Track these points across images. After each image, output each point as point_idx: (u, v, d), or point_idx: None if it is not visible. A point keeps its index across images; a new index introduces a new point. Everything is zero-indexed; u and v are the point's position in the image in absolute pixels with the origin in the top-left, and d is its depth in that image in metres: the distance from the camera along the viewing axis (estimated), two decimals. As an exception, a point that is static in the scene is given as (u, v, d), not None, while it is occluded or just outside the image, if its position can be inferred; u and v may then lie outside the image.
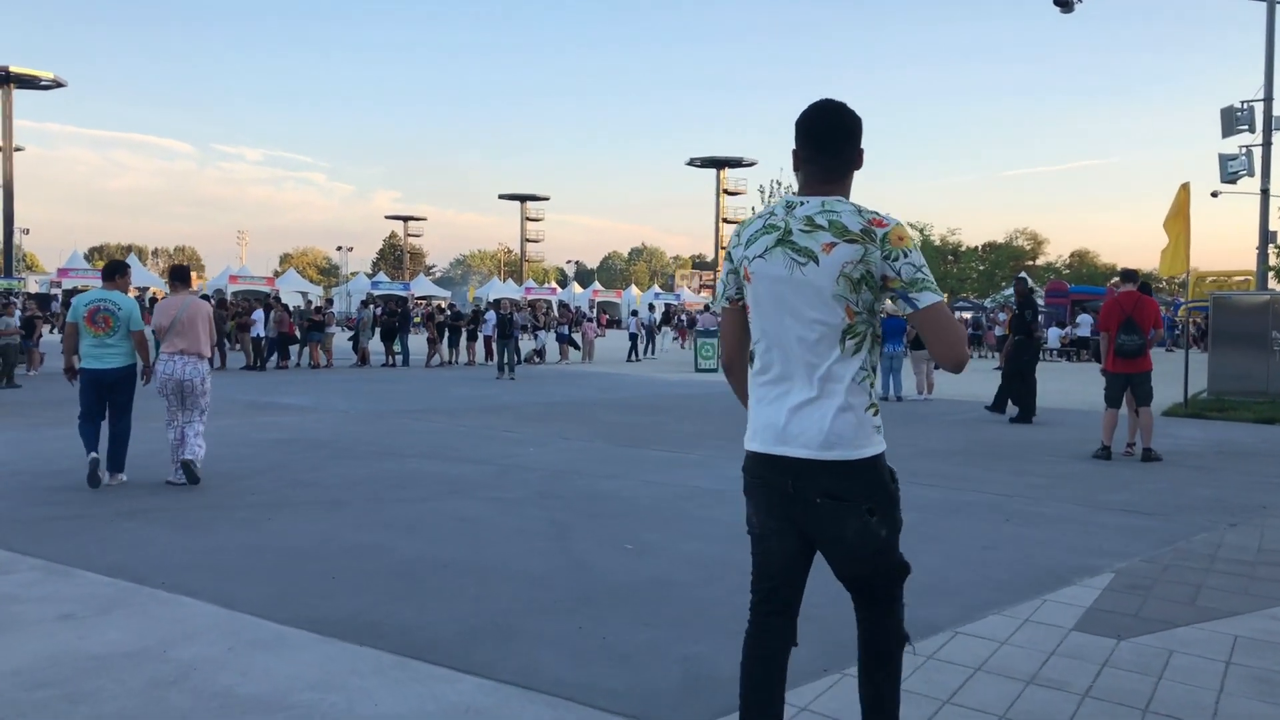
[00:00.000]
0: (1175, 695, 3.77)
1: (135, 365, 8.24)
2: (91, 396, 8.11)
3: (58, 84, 57.50)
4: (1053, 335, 34.33)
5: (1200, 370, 17.07)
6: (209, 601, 4.80)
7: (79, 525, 6.45)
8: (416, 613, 4.69)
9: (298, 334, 23.49)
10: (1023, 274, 22.26)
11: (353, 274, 76.57)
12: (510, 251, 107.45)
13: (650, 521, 6.82)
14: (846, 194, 2.72)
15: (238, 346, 23.73)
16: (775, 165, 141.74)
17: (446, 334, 25.81)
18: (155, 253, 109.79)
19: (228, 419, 12.02)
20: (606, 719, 3.55)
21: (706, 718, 3.61)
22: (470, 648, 4.22)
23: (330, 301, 27.97)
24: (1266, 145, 22.25)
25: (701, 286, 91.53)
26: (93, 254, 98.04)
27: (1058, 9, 20.29)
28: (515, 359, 21.85)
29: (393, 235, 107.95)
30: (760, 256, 2.69)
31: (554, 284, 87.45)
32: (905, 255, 2.56)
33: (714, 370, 23.77)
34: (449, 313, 28.09)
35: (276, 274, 64.44)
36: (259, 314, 22.69)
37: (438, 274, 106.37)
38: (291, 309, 25.47)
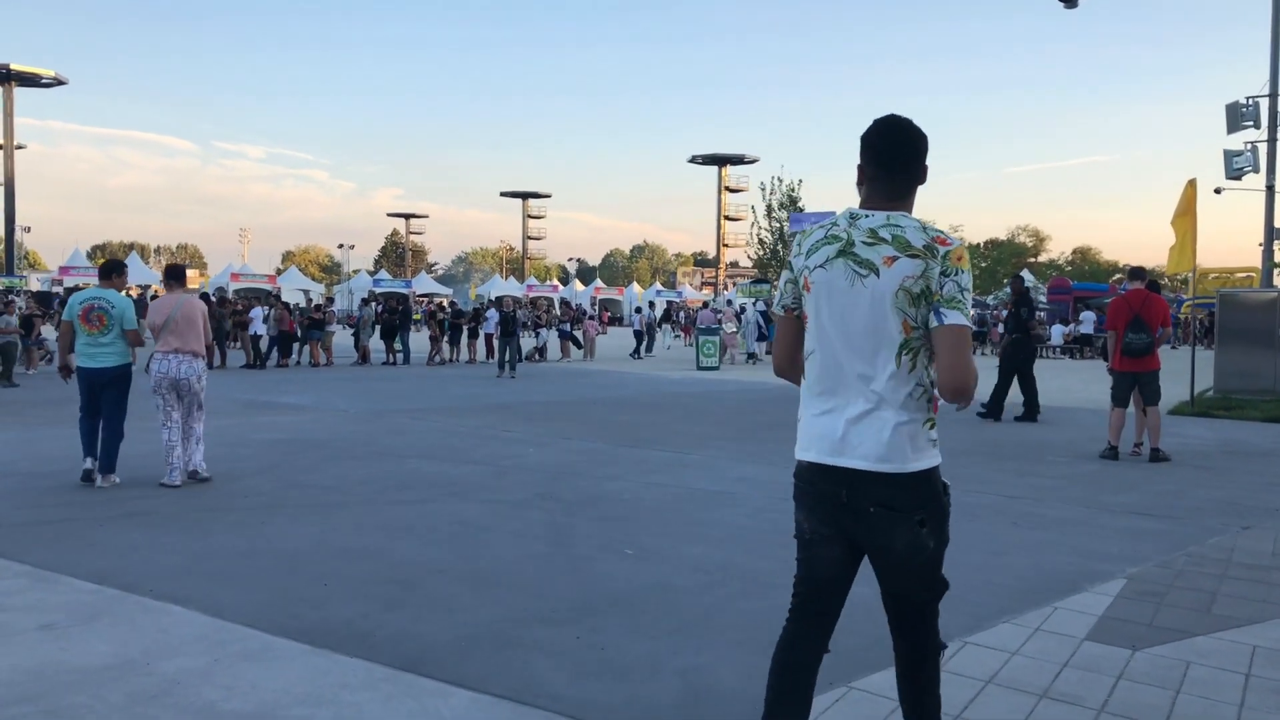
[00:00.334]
0: (1195, 711, 3.64)
1: (130, 365, 8.16)
2: (87, 395, 8.10)
3: (58, 81, 57.33)
4: (1056, 332, 34.19)
5: (1205, 368, 16.91)
6: (196, 610, 4.68)
7: (68, 529, 6.33)
8: (410, 621, 4.56)
9: (298, 332, 23.36)
10: (1019, 273, 22.04)
11: (354, 271, 76.46)
12: (512, 249, 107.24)
13: (651, 524, 6.69)
14: (910, 210, 2.75)
15: (237, 345, 23.62)
16: (776, 162, 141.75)
17: (447, 332, 25.68)
18: (158, 250, 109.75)
19: (226, 418, 11.90)
20: (604, 736, 3.42)
21: (708, 735, 3.47)
22: (464, 659, 4.09)
23: (330, 299, 27.80)
24: (1272, 141, 22.08)
25: (703, 284, 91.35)
26: (95, 252, 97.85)
27: (1061, 4, 20.11)
28: (517, 357, 21.72)
29: (395, 233, 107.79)
30: (821, 267, 2.71)
31: (556, 281, 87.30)
32: (957, 274, 2.60)
33: (715, 368, 23.64)
34: (449, 310, 27.96)
35: (279, 271, 64.31)
36: (257, 311, 22.55)
37: (440, 271, 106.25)
38: (292, 306, 25.30)
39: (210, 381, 8.40)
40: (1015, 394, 13.62)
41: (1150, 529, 6.73)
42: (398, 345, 24.56)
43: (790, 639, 2.85)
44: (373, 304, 26.84)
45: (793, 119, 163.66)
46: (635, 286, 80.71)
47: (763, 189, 53.10)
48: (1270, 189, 22.03)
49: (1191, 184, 14.09)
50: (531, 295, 61.60)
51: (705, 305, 35.76)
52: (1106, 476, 8.94)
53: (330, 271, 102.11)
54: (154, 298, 10.25)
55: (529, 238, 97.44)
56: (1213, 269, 47.23)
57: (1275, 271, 21.92)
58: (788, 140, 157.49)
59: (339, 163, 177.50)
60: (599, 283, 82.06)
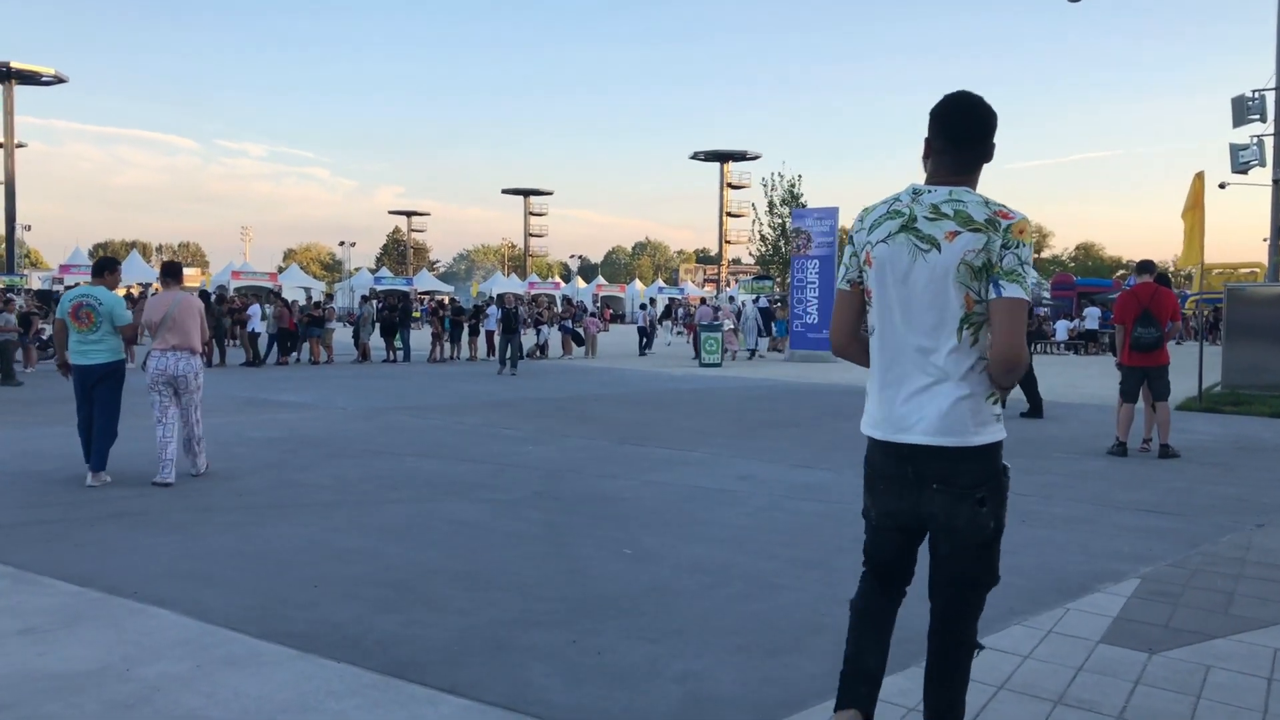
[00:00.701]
0: (1216, 718, 3.48)
1: (122, 361, 8.08)
2: (80, 392, 8.07)
3: (59, 80, 57.20)
4: (1060, 328, 34.01)
5: (1212, 363, 16.74)
6: (182, 613, 4.53)
7: (55, 530, 6.19)
8: (402, 625, 4.42)
9: (298, 329, 23.22)
10: None
11: (356, 269, 76.29)
12: (514, 246, 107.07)
13: (651, 524, 6.55)
14: (974, 186, 2.75)
15: (236, 343, 23.49)
16: (779, 159, 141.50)
17: (448, 329, 25.53)
18: (159, 249, 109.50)
19: (223, 416, 11.77)
20: (600, 746, 3.27)
21: (708, 744, 3.32)
22: (457, 664, 3.95)
23: (330, 297, 27.67)
24: (1279, 135, 21.87)
25: (705, 281, 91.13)
26: (97, 251, 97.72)
27: (1066, -2, 19.93)
28: (518, 354, 21.58)
29: (396, 230, 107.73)
30: (883, 241, 2.74)
31: (558, 279, 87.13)
32: (1018, 247, 2.60)
33: (718, 365, 23.48)
34: (449, 308, 27.81)
35: (280, 269, 64.17)
36: (255, 309, 22.42)
37: (441, 269, 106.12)
38: (292, 304, 25.15)
39: (209, 379, 8.32)
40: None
41: (1162, 527, 6.58)
42: (398, 343, 24.43)
43: (865, 591, 2.99)
44: (373, 302, 26.70)
45: (795, 115, 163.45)
46: (637, 284, 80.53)
47: (764, 184, 52.99)
48: (1277, 182, 21.83)
49: (1199, 177, 13.93)
50: (533, 292, 61.41)
51: (703, 301, 35.60)
52: (1115, 473, 8.78)
53: (332, 269, 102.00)
54: (155, 295, 10.17)
55: (531, 235, 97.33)
56: (1216, 264, 47.00)
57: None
58: (790, 136, 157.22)
59: (341, 161, 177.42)
60: (601, 280, 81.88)
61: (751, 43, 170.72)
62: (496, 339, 22.53)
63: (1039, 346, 32.14)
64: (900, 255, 2.69)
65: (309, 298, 44.78)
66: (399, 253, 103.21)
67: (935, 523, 2.74)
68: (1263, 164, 23.58)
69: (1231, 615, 4.64)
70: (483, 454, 9.49)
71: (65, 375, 8.16)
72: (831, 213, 27.15)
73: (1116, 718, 3.48)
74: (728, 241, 79.68)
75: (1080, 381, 19.22)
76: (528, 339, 27.15)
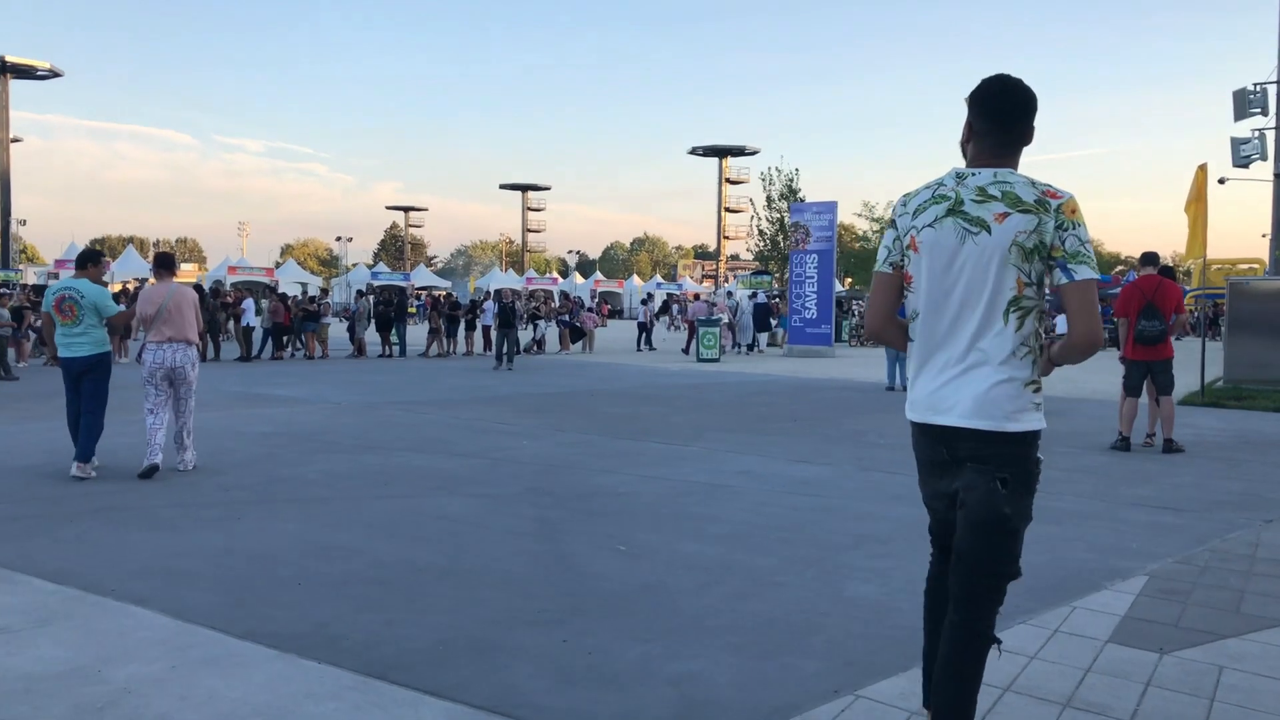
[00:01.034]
0: (1232, 721, 3.34)
1: (106, 354, 7.98)
2: (68, 384, 8.02)
3: (54, 74, 56.98)
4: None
5: (1214, 357, 16.60)
6: (159, 611, 4.39)
7: (36, 525, 6.04)
8: (386, 624, 4.27)
9: (293, 324, 23.05)
10: None
11: (353, 265, 76.07)
12: (512, 242, 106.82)
13: (646, 520, 6.40)
14: (1015, 167, 2.75)
15: (228, 337, 23.33)
16: (777, 153, 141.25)
17: (444, 324, 25.36)
18: (156, 244, 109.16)
19: (215, 411, 11.62)
20: (589, 752, 3.13)
21: (702, 750, 3.18)
22: (441, 665, 3.80)
23: (325, 291, 27.53)
24: (1280, 128, 21.73)
25: (704, 276, 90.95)
26: (95, 245, 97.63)
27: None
28: (514, 349, 21.42)
29: (394, 226, 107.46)
30: (930, 226, 2.72)
31: (555, 274, 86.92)
32: (1074, 227, 2.61)
33: (716, 360, 23.33)
34: (444, 303, 27.64)
35: (277, 265, 63.97)
36: (249, 303, 22.25)
37: (439, 265, 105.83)
38: (289, 299, 24.96)
39: (203, 374, 8.22)
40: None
41: (1169, 523, 6.43)
42: (394, 338, 24.28)
43: (935, 575, 3.00)
44: (368, 297, 26.53)
45: (794, 110, 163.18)
46: (635, 279, 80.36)
47: (763, 179, 52.79)
48: (1278, 176, 21.70)
49: (1202, 169, 13.78)
50: (531, 288, 61.20)
51: (697, 297, 35.45)
52: (1119, 468, 8.64)
53: (329, 265, 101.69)
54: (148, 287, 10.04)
55: (529, 231, 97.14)
56: (1215, 260, 46.90)
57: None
58: (789, 131, 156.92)
59: (339, 156, 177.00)
60: (599, 275, 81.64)
61: (752, 35, 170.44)
62: (493, 334, 22.36)
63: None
64: (948, 238, 2.68)
65: (304, 293, 44.65)
66: (397, 248, 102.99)
67: (961, 496, 2.74)
68: (1264, 158, 23.43)
69: (1243, 614, 4.50)
70: (476, 449, 9.34)
71: (58, 366, 8.15)
72: (830, 207, 26.99)
73: (1128, 721, 3.33)
74: (726, 237, 79.50)
75: (1081, 376, 19.06)
76: (524, 334, 26.99)
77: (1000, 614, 2.82)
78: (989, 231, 2.62)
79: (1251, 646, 4.06)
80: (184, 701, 3.41)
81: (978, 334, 2.66)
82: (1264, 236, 23.20)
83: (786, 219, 46.05)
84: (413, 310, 36.17)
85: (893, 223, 2.88)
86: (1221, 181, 25.14)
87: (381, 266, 74.55)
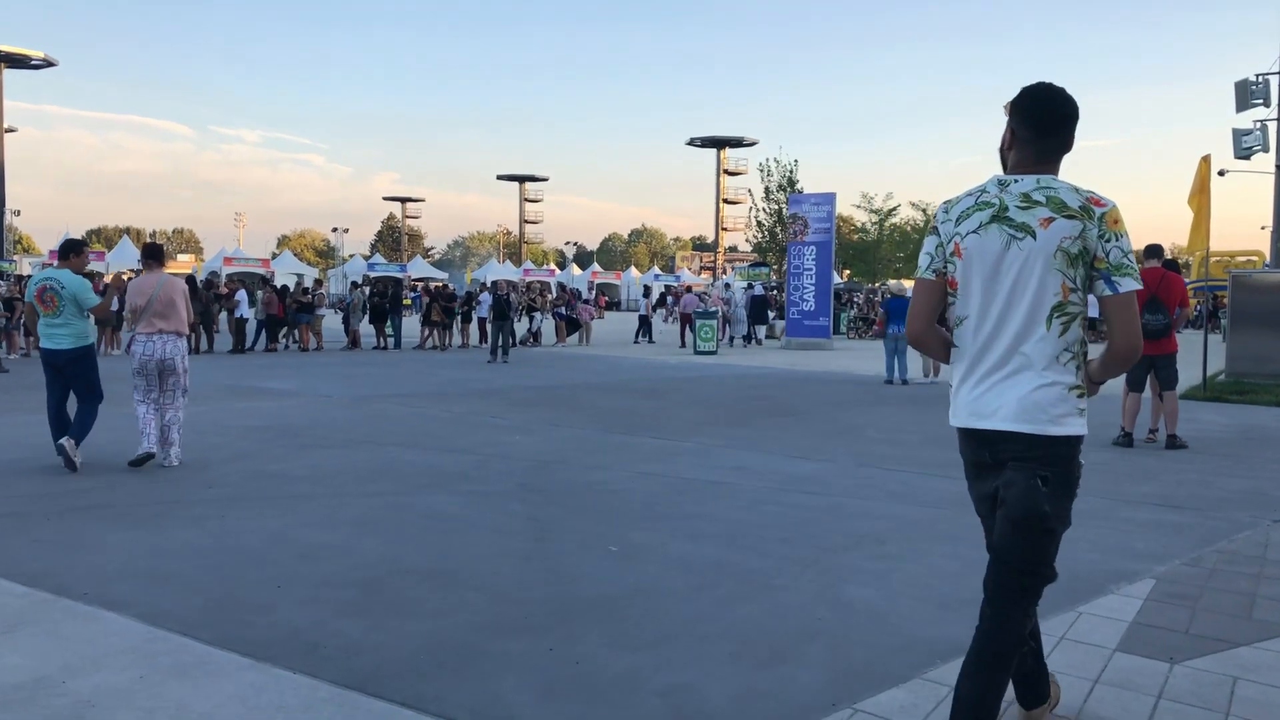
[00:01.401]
0: (1249, 737, 3.19)
1: (90, 345, 7.86)
2: (49, 375, 7.93)
3: (48, 63, 56.53)
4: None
5: (1215, 351, 16.45)
6: (132, 616, 4.23)
7: (13, 524, 5.87)
8: (365, 630, 4.11)
9: (287, 316, 22.86)
10: None
11: (349, 256, 75.80)
12: (509, 233, 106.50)
13: (639, 519, 6.24)
14: (1056, 174, 2.77)
15: (218, 329, 23.14)
16: (776, 144, 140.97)
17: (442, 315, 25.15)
18: (153, 235, 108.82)
19: (204, 404, 11.44)
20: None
21: (693, 769, 3.02)
22: (421, 675, 3.64)
23: (319, 283, 27.33)
24: (1284, 119, 21.54)
25: (702, 268, 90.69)
26: (90, 236, 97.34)
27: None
28: (510, 342, 21.25)
29: (391, 217, 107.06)
30: (974, 233, 2.75)
31: (553, 265, 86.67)
32: (1117, 239, 2.65)
33: (713, 352, 23.17)
34: (434, 293, 27.44)
35: (273, 256, 63.73)
36: (242, 294, 22.05)
37: (436, 256, 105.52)
38: (284, 289, 24.75)
39: (194, 366, 8.10)
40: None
41: (1174, 522, 6.28)
42: (389, 330, 24.09)
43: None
44: (363, 288, 26.33)
45: (792, 100, 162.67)
46: (633, 271, 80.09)
47: (761, 170, 52.52)
48: (1280, 169, 21.52)
49: (1205, 160, 13.59)
50: (528, 279, 60.99)
51: (689, 289, 35.23)
52: (1122, 465, 8.48)
53: (326, 256, 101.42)
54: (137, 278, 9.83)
55: (526, 222, 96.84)
56: (1214, 252, 46.70)
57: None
58: (787, 122, 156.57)
59: (336, 147, 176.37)
60: (596, 267, 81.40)
61: (751, 26, 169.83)
62: (489, 326, 22.18)
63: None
64: (993, 244, 2.71)
65: (299, 284, 44.46)
66: (394, 239, 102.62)
67: (1000, 495, 2.75)
68: (1265, 149, 23.25)
69: (1255, 620, 4.34)
70: (467, 444, 9.18)
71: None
72: (828, 198, 26.78)
73: (1139, 737, 3.18)
74: (724, 228, 79.23)
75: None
76: (521, 326, 26.81)
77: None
78: (1034, 237, 2.65)
79: (1265, 656, 3.90)
80: (149, 714, 3.25)
81: (1021, 338, 2.69)
82: (1263, 229, 23.08)
83: (785, 210, 45.83)
84: (408, 302, 35.96)
85: (935, 229, 2.90)
86: (1221, 174, 24.97)
87: (378, 257, 74.26)
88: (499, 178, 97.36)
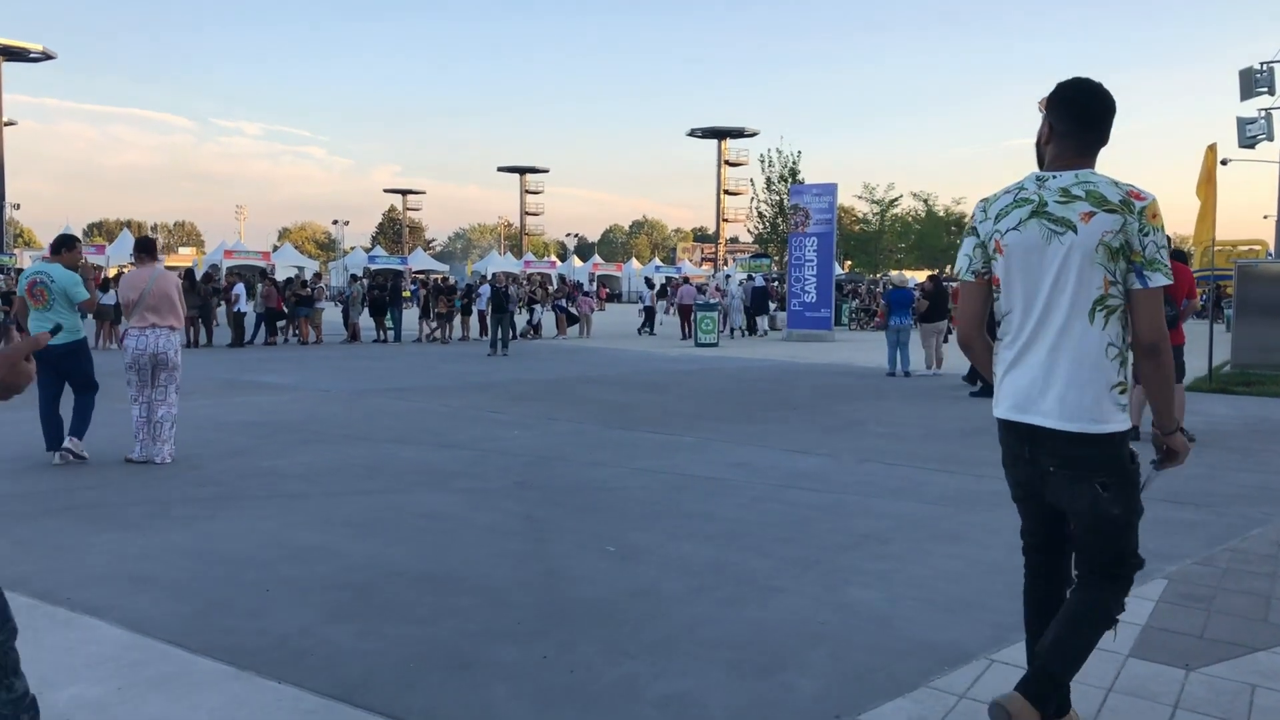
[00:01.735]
0: (1270, 750, 3.06)
1: (81, 340, 7.77)
2: (41, 371, 7.67)
3: (47, 56, 56.46)
4: None
5: (1220, 342, 16.31)
6: (115, 623, 4.10)
7: (-2, 525, 5.76)
8: (355, 636, 3.99)
9: (285, 309, 22.74)
10: None
11: (350, 249, 75.61)
12: (510, 225, 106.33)
13: (638, 517, 6.11)
14: (1093, 168, 2.78)
15: (217, 323, 23.05)
16: (777, 135, 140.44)
17: (458, 306, 24.98)
18: (154, 228, 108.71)
19: (200, 399, 11.32)
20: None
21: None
22: (411, 684, 3.52)
23: (319, 276, 27.22)
24: (1289, 108, 21.35)
25: (703, 260, 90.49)
26: (91, 230, 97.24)
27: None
28: (510, 335, 21.12)
29: (392, 209, 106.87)
30: (1014, 229, 2.76)
31: (554, 257, 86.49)
32: (1154, 233, 2.64)
33: (714, 345, 23.03)
34: (430, 285, 27.32)
35: (274, 249, 63.57)
36: (240, 288, 21.92)
37: (437, 248, 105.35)
38: (281, 283, 24.62)
39: (192, 360, 8.01)
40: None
41: (1184, 519, 6.15)
42: (388, 323, 23.97)
43: (1031, 578, 3.07)
44: (362, 280, 26.20)
45: (793, 91, 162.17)
46: (634, 263, 79.92)
47: (762, 161, 52.31)
48: (1286, 157, 21.33)
49: (1211, 149, 13.43)
50: (529, 271, 60.83)
51: (686, 281, 35.06)
52: (1128, 459, 8.34)
53: (327, 248, 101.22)
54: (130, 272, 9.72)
55: (527, 214, 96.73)
56: (1217, 242, 46.55)
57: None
58: (789, 113, 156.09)
59: (337, 139, 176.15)
60: (597, 258, 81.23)
61: (752, 16, 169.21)
62: (488, 319, 22.05)
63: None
64: (1034, 240, 2.72)
65: (298, 277, 44.36)
66: (394, 231, 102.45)
67: (1061, 503, 2.80)
68: (1270, 138, 23.06)
69: (1272, 624, 4.21)
70: (465, 439, 9.06)
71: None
72: (830, 188, 26.60)
73: (1156, 750, 3.06)
74: (725, 220, 79.04)
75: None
76: (521, 318, 26.68)
77: (1012, 624, 2.60)
78: (1075, 231, 2.65)
79: (1283, 661, 3.77)
80: (126, 729, 3.14)
81: (1064, 333, 2.69)
82: (1266, 218, 22.91)
83: (786, 201, 45.61)
84: (407, 295, 35.80)
85: (973, 230, 2.91)
86: (1224, 163, 24.78)
87: (379, 250, 74.10)
88: (500, 169, 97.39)
